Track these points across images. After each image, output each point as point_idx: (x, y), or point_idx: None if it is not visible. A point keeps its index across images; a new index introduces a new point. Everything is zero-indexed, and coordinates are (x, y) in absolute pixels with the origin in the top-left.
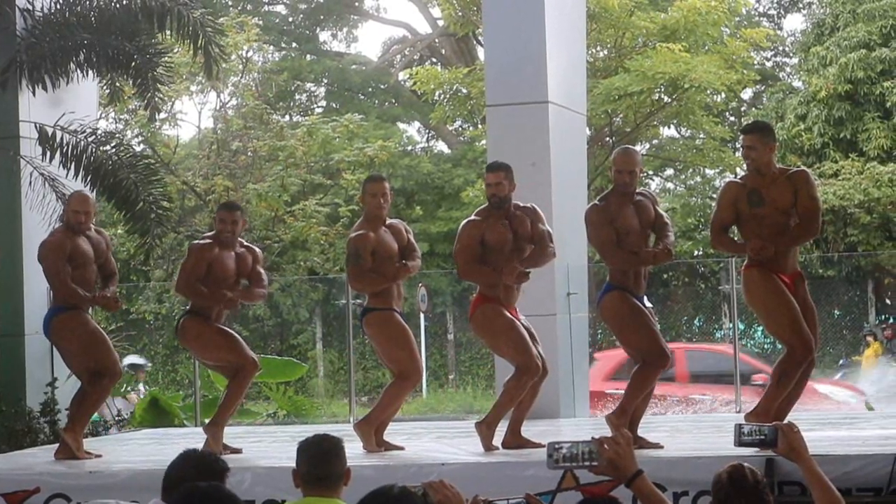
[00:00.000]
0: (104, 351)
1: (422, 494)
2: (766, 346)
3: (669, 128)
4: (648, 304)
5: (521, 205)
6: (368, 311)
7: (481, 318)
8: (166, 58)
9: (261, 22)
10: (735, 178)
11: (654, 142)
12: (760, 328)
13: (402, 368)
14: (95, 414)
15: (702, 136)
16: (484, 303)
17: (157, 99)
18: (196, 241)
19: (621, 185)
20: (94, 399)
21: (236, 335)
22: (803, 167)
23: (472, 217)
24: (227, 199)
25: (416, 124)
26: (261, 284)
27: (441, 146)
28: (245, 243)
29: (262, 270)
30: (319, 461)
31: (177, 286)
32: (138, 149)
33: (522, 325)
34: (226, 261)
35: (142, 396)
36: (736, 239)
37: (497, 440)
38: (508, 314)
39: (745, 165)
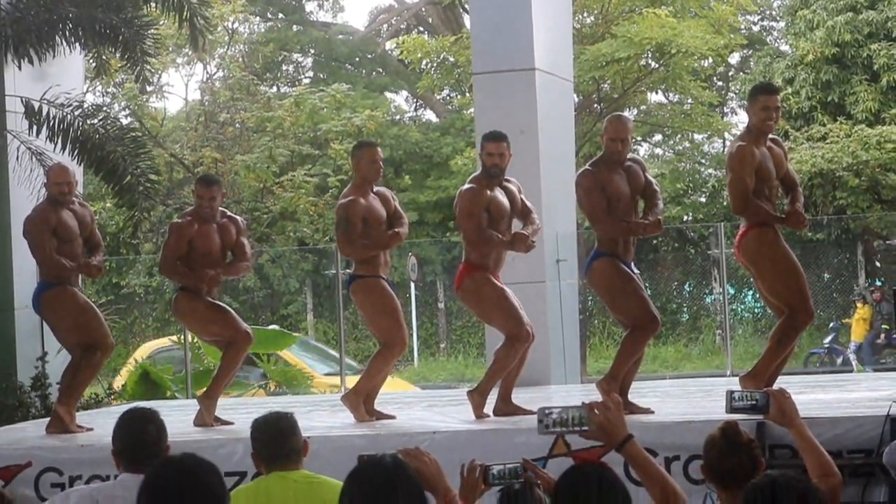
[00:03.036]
0: (96, 324)
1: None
2: (756, 310)
3: (657, 93)
4: (636, 271)
5: (506, 177)
6: (355, 278)
7: (471, 286)
8: (153, 30)
9: None
10: (739, 140)
11: (642, 108)
12: (751, 293)
13: (386, 337)
14: None
15: (689, 101)
16: (472, 271)
17: (146, 72)
18: (175, 220)
19: (613, 154)
20: (86, 373)
21: (228, 309)
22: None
23: (472, 185)
24: (204, 174)
25: (404, 93)
26: (244, 257)
27: (429, 115)
28: (228, 213)
29: (245, 241)
30: (275, 440)
31: (160, 268)
32: (125, 122)
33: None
34: (209, 234)
35: None
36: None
37: (488, 408)
38: (497, 282)
39: (739, 129)
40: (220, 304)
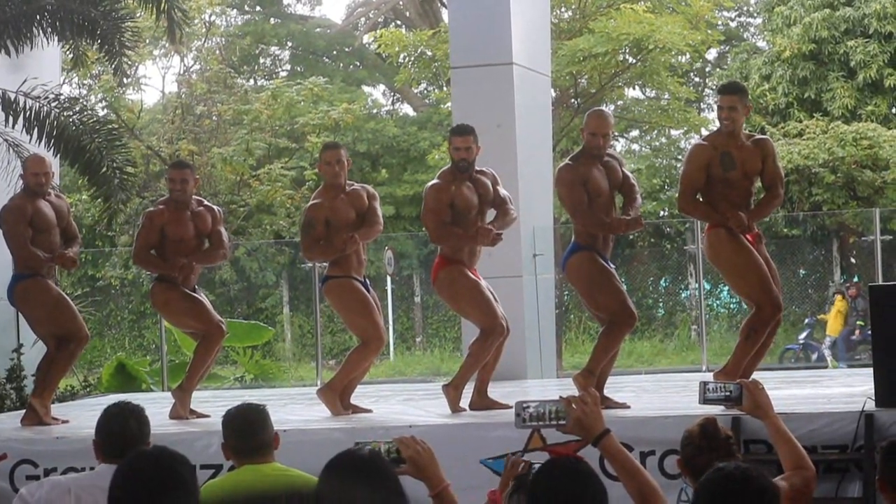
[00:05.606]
0: (69, 316)
1: (395, 450)
2: (732, 305)
3: (634, 89)
4: (612, 265)
5: (480, 168)
6: (328, 279)
7: (446, 280)
8: (130, 22)
9: None
10: (701, 139)
11: (619, 103)
12: (727, 288)
13: (363, 335)
14: None
15: (666, 96)
16: (447, 265)
17: (123, 64)
18: (149, 209)
19: (594, 148)
20: (61, 365)
21: (203, 300)
22: (765, 135)
23: (437, 181)
24: (176, 159)
25: (381, 87)
26: (221, 245)
27: (406, 109)
28: (205, 202)
29: (222, 230)
30: (248, 432)
31: (133, 257)
32: (102, 114)
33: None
34: (181, 221)
35: None
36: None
37: (464, 402)
38: (472, 275)
39: (715, 126)
40: (195, 295)
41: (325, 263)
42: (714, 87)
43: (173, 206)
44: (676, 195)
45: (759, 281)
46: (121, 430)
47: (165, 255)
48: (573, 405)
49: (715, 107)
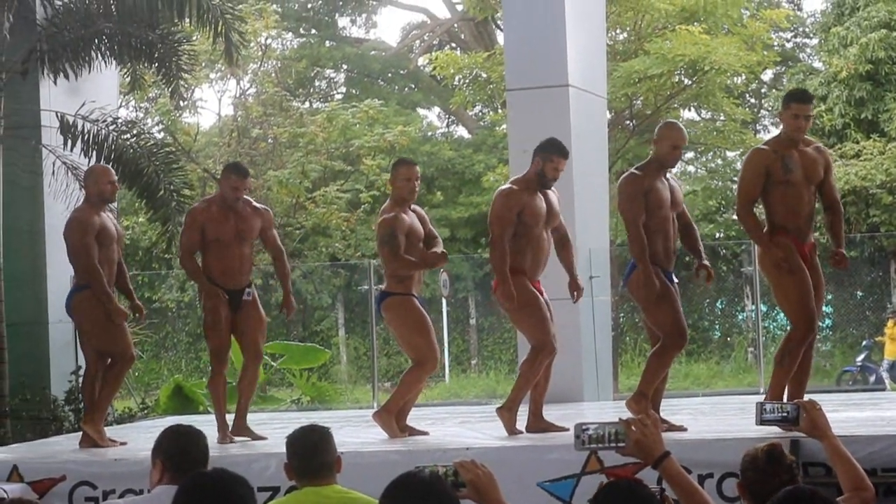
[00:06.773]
0: (119, 334)
1: (453, 473)
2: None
3: (690, 110)
4: (675, 280)
5: None
6: (387, 295)
7: (505, 290)
8: (187, 45)
9: (279, 9)
10: (761, 144)
11: None
12: None
13: (418, 355)
14: None
15: (722, 118)
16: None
17: (181, 87)
18: (193, 206)
19: (672, 161)
20: (109, 386)
21: (246, 327)
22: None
23: (510, 185)
24: (234, 163)
25: (436, 109)
26: (278, 251)
27: (461, 131)
28: (253, 203)
29: (275, 234)
30: (310, 453)
31: (180, 260)
32: (159, 137)
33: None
34: (223, 222)
35: None
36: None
37: (520, 424)
38: (533, 289)
39: (780, 132)
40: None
41: (379, 286)
42: (770, 108)
43: (219, 204)
44: (733, 216)
45: (798, 296)
46: (184, 448)
47: (208, 256)
48: (633, 427)
49: (774, 123)
